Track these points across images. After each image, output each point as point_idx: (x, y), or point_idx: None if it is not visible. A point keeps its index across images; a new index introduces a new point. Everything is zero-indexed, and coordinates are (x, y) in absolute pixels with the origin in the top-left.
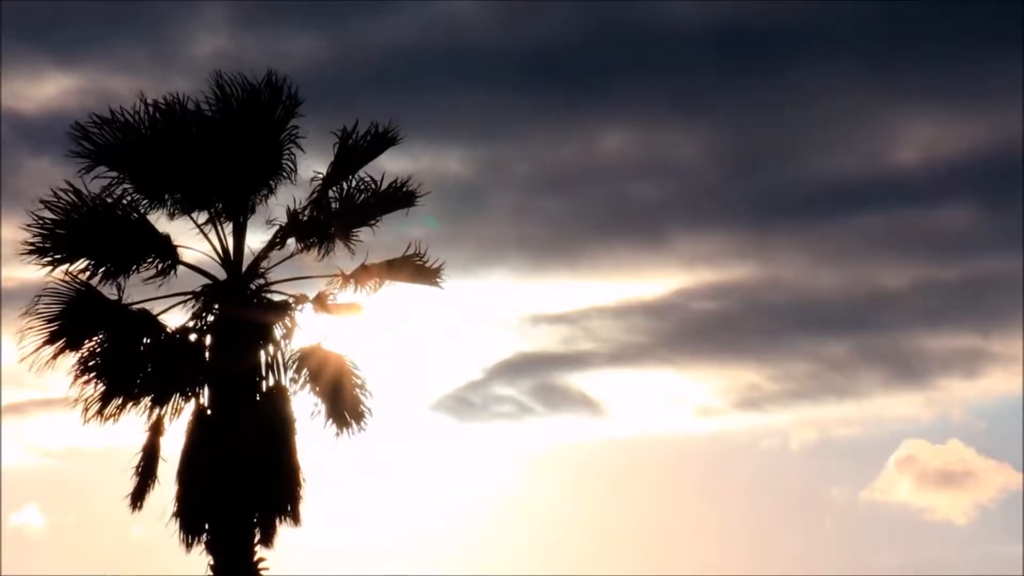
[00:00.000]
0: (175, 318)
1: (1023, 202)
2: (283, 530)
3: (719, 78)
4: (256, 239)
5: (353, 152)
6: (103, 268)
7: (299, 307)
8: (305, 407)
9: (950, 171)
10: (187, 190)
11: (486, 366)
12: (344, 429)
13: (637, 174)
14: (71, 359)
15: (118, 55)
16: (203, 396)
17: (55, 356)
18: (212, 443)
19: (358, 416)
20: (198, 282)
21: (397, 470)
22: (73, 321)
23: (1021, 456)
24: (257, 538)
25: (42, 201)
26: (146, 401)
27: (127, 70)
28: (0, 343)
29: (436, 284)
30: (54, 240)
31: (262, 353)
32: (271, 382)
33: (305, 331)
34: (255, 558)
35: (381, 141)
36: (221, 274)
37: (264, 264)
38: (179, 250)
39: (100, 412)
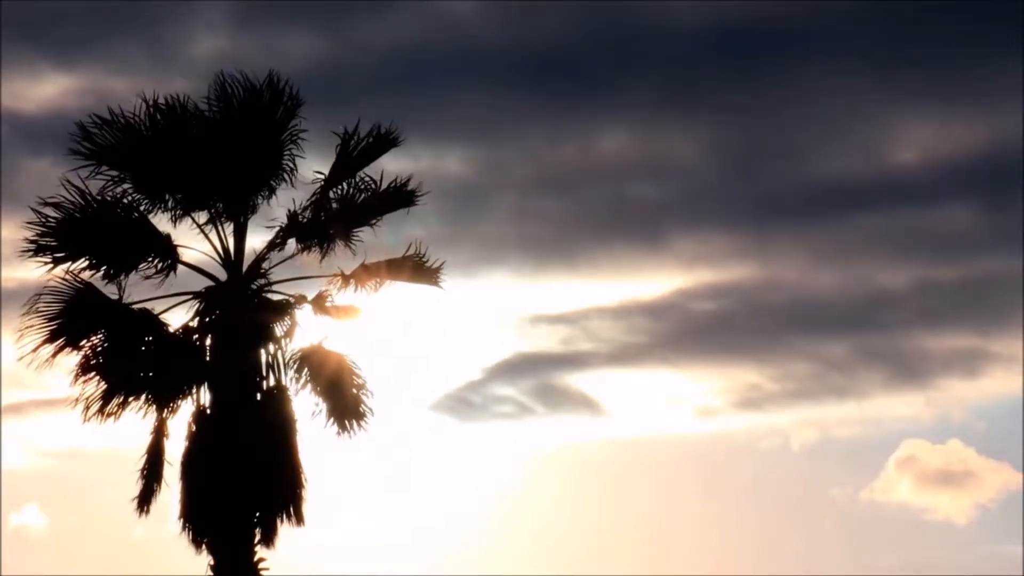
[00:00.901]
0: (176, 318)
1: (1023, 202)
2: (284, 530)
3: (719, 78)
4: (257, 239)
5: (354, 153)
6: (103, 268)
7: (299, 307)
8: (306, 407)
9: (950, 171)
10: (188, 190)
11: (486, 366)
12: (345, 429)
13: (637, 174)
14: (71, 358)
15: (118, 55)
16: (203, 396)
17: (55, 355)
18: (213, 443)
19: (359, 416)
20: (198, 282)
21: (397, 470)
22: (73, 320)
23: (1021, 456)
24: (258, 538)
25: (42, 200)
26: (146, 401)
27: (127, 70)
28: (0, 343)
29: (436, 284)
30: (55, 239)
31: (262, 353)
32: (271, 382)
33: (305, 331)
34: (256, 558)
35: (382, 142)
36: (222, 274)
37: (264, 264)
38: (180, 250)
39: (100, 411)
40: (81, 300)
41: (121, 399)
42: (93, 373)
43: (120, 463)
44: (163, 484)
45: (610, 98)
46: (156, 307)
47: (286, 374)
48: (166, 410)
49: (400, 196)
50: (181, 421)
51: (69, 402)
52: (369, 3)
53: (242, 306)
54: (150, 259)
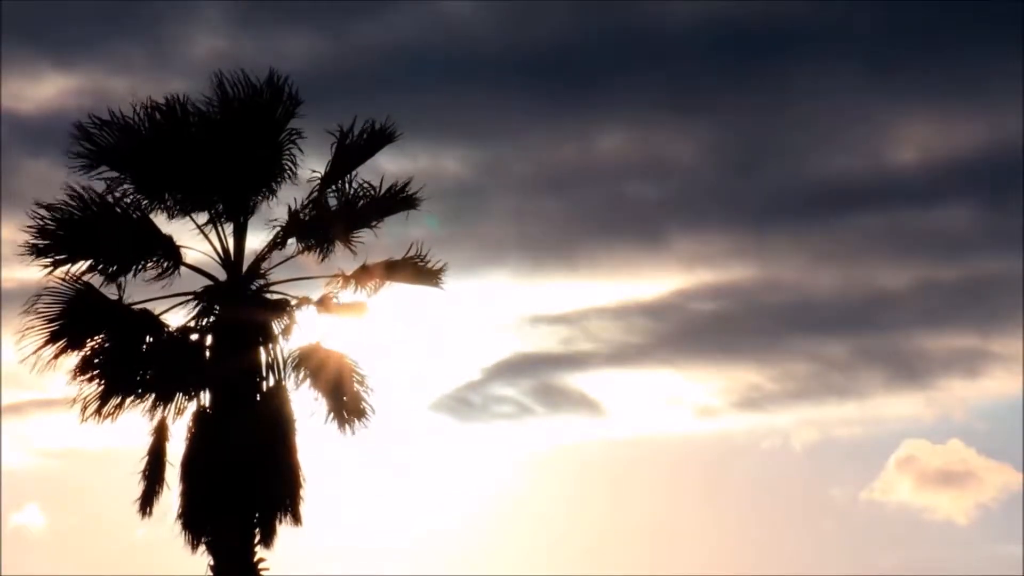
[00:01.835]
0: (176, 318)
1: (1023, 202)
2: (283, 530)
3: (719, 78)
4: (256, 240)
5: (351, 150)
6: (105, 269)
7: (302, 308)
8: (305, 406)
9: (950, 171)
10: (187, 191)
11: (485, 366)
12: (345, 427)
13: (636, 174)
14: (72, 359)
15: (117, 55)
16: (203, 396)
17: (56, 356)
18: (212, 443)
19: (359, 413)
20: (198, 282)
21: (397, 470)
22: (73, 321)
23: (1021, 456)
24: (257, 538)
25: (41, 203)
26: (146, 400)
27: (126, 70)
28: (0, 343)
29: (437, 285)
30: (55, 240)
31: (262, 353)
32: (271, 382)
33: (305, 330)
34: (255, 558)
35: (379, 138)
36: (221, 274)
37: (264, 264)
38: (180, 250)
39: (98, 411)
40: (81, 301)
41: (119, 399)
42: (91, 373)
43: (120, 463)
44: (166, 485)
45: (610, 98)
46: (156, 308)
47: (286, 374)
48: (167, 411)
49: (399, 200)
50: (181, 422)
51: (69, 402)
52: (368, 3)
53: (242, 305)
54: (153, 260)
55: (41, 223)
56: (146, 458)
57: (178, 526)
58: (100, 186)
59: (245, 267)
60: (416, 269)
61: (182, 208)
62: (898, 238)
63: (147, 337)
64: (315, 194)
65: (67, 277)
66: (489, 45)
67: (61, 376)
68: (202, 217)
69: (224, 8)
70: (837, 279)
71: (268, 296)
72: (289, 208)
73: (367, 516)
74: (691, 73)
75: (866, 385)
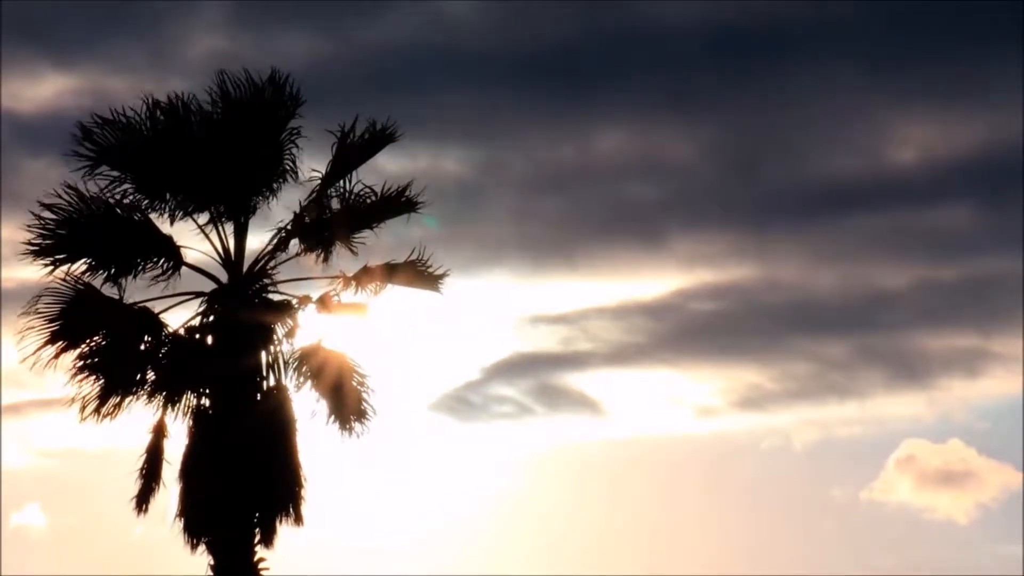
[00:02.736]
0: (176, 318)
1: (1023, 202)
2: (283, 530)
3: (718, 78)
4: (257, 240)
5: (352, 150)
6: (105, 269)
7: (303, 308)
8: (306, 406)
9: (950, 171)
10: (188, 191)
11: (485, 366)
12: (346, 427)
13: (636, 174)
14: (72, 359)
15: (116, 55)
16: (204, 396)
17: (56, 356)
18: (213, 443)
19: (360, 414)
20: (199, 282)
21: (397, 470)
22: (73, 321)
23: (1022, 456)
24: (257, 538)
25: (42, 204)
26: (145, 400)
27: (125, 70)
28: (0, 344)
29: (437, 290)
30: (55, 240)
31: (263, 353)
32: (272, 382)
33: (305, 330)
34: (255, 558)
35: (379, 139)
36: (222, 275)
37: (266, 265)
38: (181, 251)
39: (97, 410)
40: (81, 300)
41: (118, 399)
42: (90, 371)
43: (120, 463)
44: (162, 484)
45: (609, 98)
46: (156, 308)
47: (286, 374)
48: (167, 411)
49: (400, 203)
50: (180, 421)
51: (68, 402)
52: (367, 3)
53: (243, 306)
54: (154, 260)
55: (41, 223)
56: (143, 456)
57: (178, 526)
58: (101, 185)
59: (246, 267)
60: (417, 273)
61: (183, 208)
62: (898, 238)
63: (147, 337)
64: (316, 194)
65: (67, 277)
66: (489, 45)
67: (61, 376)
68: (203, 217)
69: (224, 8)
70: (837, 279)
71: (269, 296)
72: (295, 212)
73: (367, 516)
74: (691, 73)
75: (866, 385)
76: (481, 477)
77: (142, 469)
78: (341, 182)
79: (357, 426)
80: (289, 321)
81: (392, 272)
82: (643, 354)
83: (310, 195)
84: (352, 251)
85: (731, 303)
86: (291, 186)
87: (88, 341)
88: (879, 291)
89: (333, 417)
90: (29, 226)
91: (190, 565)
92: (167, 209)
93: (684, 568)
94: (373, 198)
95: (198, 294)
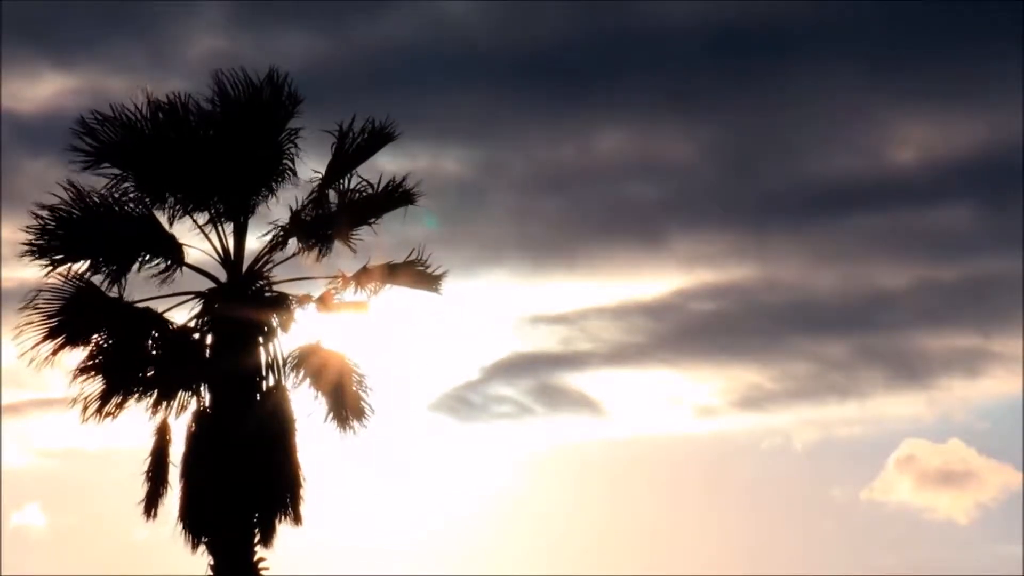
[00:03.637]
0: (176, 317)
1: (1023, 202)
2: (283, 530)
3: (718, 78)
4: (256, 240)
5: (351, 149)
6: (105, 267)
7: (303, 307)
8: (305, 406)
9: (950, 171)
10: (188, 190)
11: (485, 366)
12: (345, 427)
13: (636, 174)
14: (70, 357)
15: (116, 55)
16: (203, 396)
17: (54, 352)
18: (212, 443)
19: (359, 413)
20: (198, 282)
21: (397, 470)
22: (72, 317)
23: (1022, 456)
24: (257, 538)
25: (40, 204)
26: (146, 400)
27: (125, 70)
28: (0, 344)
29: (436, 291)
30: (55, 240)
31: (262, 352)
32: (271, 381)
33: (305, 330)
34: (255, 558)
35: (378, 138)
36: (221, 274)
37: (265, 264)
38: (182, 249)
39: (99, 411)
40: (81, 297)
41: (120, 399)
42: (92, 372)
43: (120, 463)
44: (168, 487)
45: (609, 98)
46: (156, 307)
47: (285, 374)
48: (167, 410)
49: (398, 195)
50: (180, 421)
51: (68, 402)
52: (367, 3)
53: (242, 305)
54: (155, 258)
55: (41, 222)
56: (149, 459)
57: (178, 526)
58: (100, 183)
59: (245, 267)
60: (416, 273)
61: (183, 207)
62: (898, 238)
63: (147, 336)
64: (315, 194)
65: (67, 274)
66: (488, 45)
67: (61, 375)
68: (202, 216)
69: (223, 8)
70: (837, 279)
71: (268, 295)
72: (291, 208)
73: (367, 516)
74: (691, 73)
75: (866, 385)
76: (481, 477)
77: (148, 472)
78: (340, 181)
79: (356, 426)
80: (287, 320)
81: (392, 272)
82: (643, 354)
83: (310, 194)
84: (351, 248)
85: (731, 303)
86: (291, 186)
87: (88, 340)
88: (879, 291)
89: (332, 416)
90: (28, 227)
91: (190, 565)
92: (167, 208)
93: (684, 568)
94: (370, 190)
95: (198, 294)
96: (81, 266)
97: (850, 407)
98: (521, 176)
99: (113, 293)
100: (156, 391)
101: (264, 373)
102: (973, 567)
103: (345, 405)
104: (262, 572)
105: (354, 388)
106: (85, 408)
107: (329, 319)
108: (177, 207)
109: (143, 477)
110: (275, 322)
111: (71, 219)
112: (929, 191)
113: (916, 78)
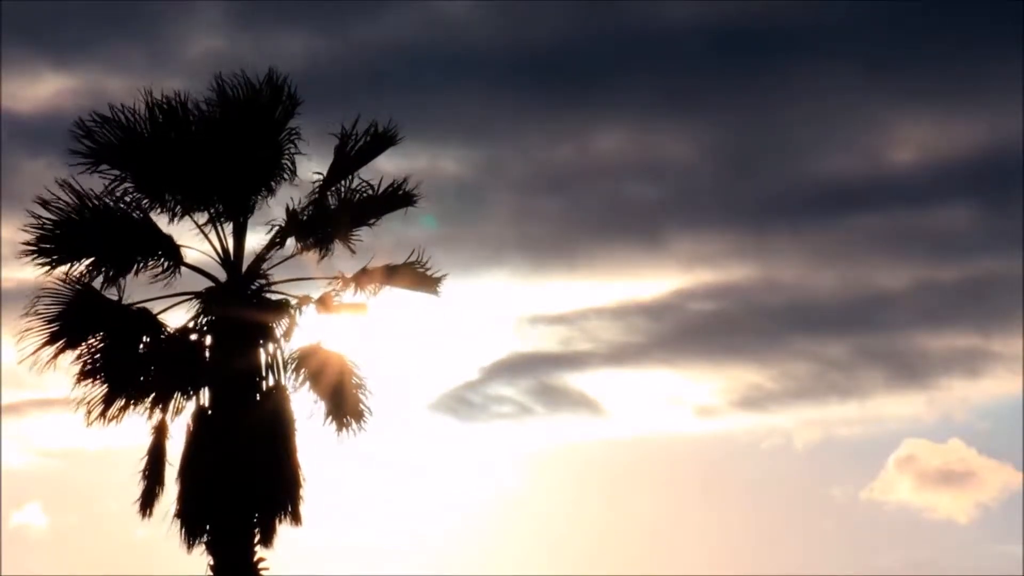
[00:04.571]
0: (175, 318)
1: (1023, 202)
2: (283, 530)
3: (718, 78)
4: (256, 240)
5: (352, 152)
6: (105, 268)
7: (302, 308)
8: (305, 407)
9: (950, 171)
10: (187, 190)
11: (484, 366)
12: (344, 428)
13: (635, 174)
14: (71, 359)
15: (115, 55)
16: (203, 396)
17: (55, 357)
18: (212, 443)
19: (358, 415)
20: (198, 282)
21: (397, 470)
22: (72, 321)
23: (1022, 456)
24: (257, 538)
25: (40, 201)
26: (147, 402)
27: (124, 70)
28: (0, 343)
29: (435, 292)
30: (54, 240)
31: (262, 353)
32: (271, 382)
33: (304, 331)
34: (255, 558)
35: (380, 141)
36: (221, 274)
37: (264, 265)
38: (181, 250)
39: (103, 414)
40: (80, 301)
41: (123, 402)
42: (94, 376)
43: (120, 463)
44: (164, 486)
45: (608, 98)
46: (155, 308)
47: (285, 374)
48: (167, 411)
49: (398, 197)
50: (180, 421)
51: (68, 402)
52: (366, 3)
53: (241, 306)
54: (154, 259)
55: (40, 222)
56: (146, 458)
57: (177, 526)
58: (99, 184)
59: (245, 267)
60: (416, 275)
61: (182, 208)
62: (898, 238)
63: (146, 337)
64: (315, 195)
65: (66, 278)
66: (488, 45)
67: (61, 376)
68: (202, 217)
69: (223, 8)
70: (837, 279)
71: (268, 296)
72: (287, 208)
73: (367, 516)
74: (691, 73)
75: (866, 385)
76: (481, 477)
77: (144, 471)
78: (341, 183)
79: (355, 426)
80: (286, 320)
81: (391, 274)
82: (643, 354)
83: (310, 195)
84: (351, 249)
85: (731, 303)
86: (290, 186)
87: (88, 343)
88: (879, 291)
89: (331, 417)
90: (27, 226)
91: (191, 565)
92: (166, 208)
93: (684, 568)
94: (370, 192)
95: (197, 294)
96: (80, 266)
97: (850, 407)
98: (521, 176)
99: (112, 294)
100: (156, 392)
101: (264, 374)
102: (973, 567)
103: (345, 406)
104: (262, 572)
105: (354, 390)
106: (89, 412)
107: (329, 320)
108: (176, 207)
109: (140, 476)
110: (278, 331)
111: (70, 220)
112: (929, 191)
113: (916, 78)
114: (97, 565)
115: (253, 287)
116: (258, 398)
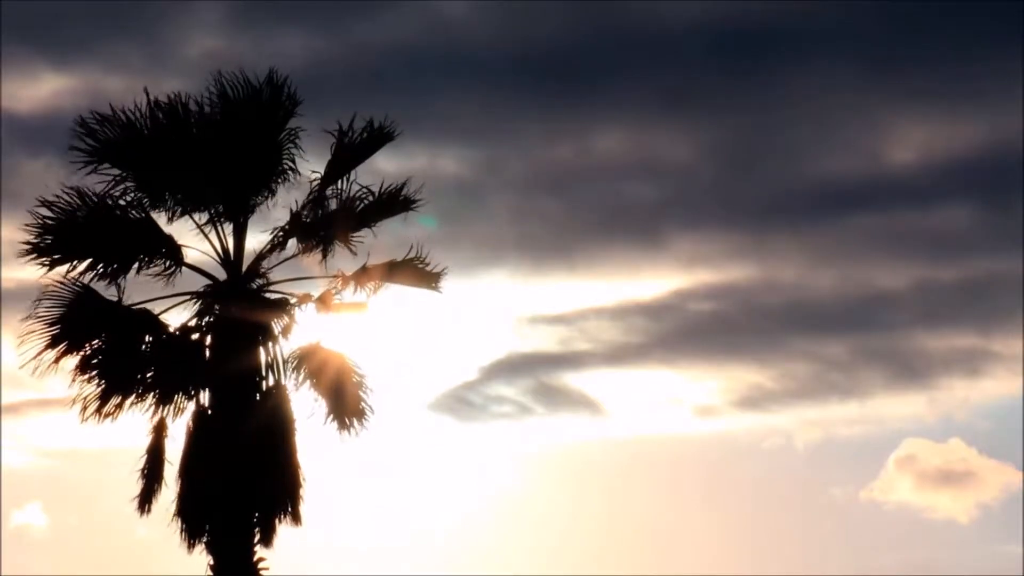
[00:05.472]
0: (175, 318)
1: (1023, 202)
2: (283, 530)
3: (718, 78)
4: (256, 240)
5: (350, 149)
6: (105, 268)
7: (302, 307)
8: (305, 406)
9: (949, 171)
10: (188, 190)
11: (484, 366)
12: (345, 428)
13: (635, 174)
14: (73, 361)
15: (114, 55)
16: (203, 396)
17: (57, 360)
18: (212, 443)
19: (359, 414)
20: (198, 282)
21: (397, 470)
22: (73, 323)
23: (1022, 456)
24: (257, 538)
25: (41, 201)
26: (146, 401)
27: (123, 70)
28: (0, 344)
29: (436, 289)
30: (54, 240)
31: (262, 353)
32: (271, 382)
33: (304, 330)
34: (255, 558)
35: (378, 137)
36: (221, 274)
37: (264, 264)
38: (181, 250)
39: (98, 411)
40: (80, 303)
41: (119, 399)
42: (92, 372)
43: (120, 463)
44: (163, 484)
45: (608, 98)
46: (155, 308)
47: (285, 374)
48: (166, 410)
49: (398, 202)
50: (180, 421)
51: (68, 402)
52: (367, 3)
53: (241, 306)
54: (155, 259)
55: (40, 222)
56: (145, 456)
57: (178, 526)
58: (100, 183)
59: (245, 267)
60: (416, 272)
61: (182, 208)
62: (897, 238)
63: (147, 337)
64: (315, 194)
65: (66, 279)
66: (488, 45)
67: (61, 376)
68: (202, 217)
69: (222, 8)
70: (837, 279)
71: (268, 295)
72: (291, 211)
73: (367, 516)
74: (690, 73)
75: (866, 385)
76: (481, 477)
77: (143, 469)
78: (339, 181)
79: (356, 426)
80: (287, 320)
81: (391, 271)
82: (642, 354)
83: (309, 195)
84: (351, 250)
85: (730, 303)
86: (290, 186)
87: (88, 343)
88: (879, 291)
89: (332, 417)
90: (27, 225)
91: (191, 565)
92: (166, 208)
93: (684, 568)
94: (371, 198)
95: (197, 294)
96: (80, 266)
97: (850, 407)
98: (520, 176)
99: (112, 294)
100: (155, 392)
101: (264, 373)
102: (973, 567)
103: (345, 405)
104: (262, 572)
105: (354, 389)
106: (84, 408)
107: (329, 319)
108: (177, 207)
109: (138, 474)
110: (276, 329)
111: (70, 219)
112: (929, 191)
113: (916, 78)
114: (97, 565)
115: (253, 287)
116: (258, 398)
